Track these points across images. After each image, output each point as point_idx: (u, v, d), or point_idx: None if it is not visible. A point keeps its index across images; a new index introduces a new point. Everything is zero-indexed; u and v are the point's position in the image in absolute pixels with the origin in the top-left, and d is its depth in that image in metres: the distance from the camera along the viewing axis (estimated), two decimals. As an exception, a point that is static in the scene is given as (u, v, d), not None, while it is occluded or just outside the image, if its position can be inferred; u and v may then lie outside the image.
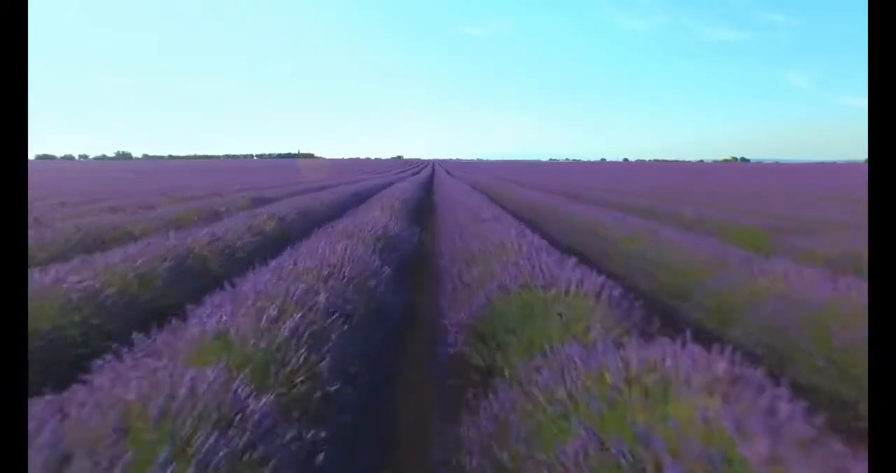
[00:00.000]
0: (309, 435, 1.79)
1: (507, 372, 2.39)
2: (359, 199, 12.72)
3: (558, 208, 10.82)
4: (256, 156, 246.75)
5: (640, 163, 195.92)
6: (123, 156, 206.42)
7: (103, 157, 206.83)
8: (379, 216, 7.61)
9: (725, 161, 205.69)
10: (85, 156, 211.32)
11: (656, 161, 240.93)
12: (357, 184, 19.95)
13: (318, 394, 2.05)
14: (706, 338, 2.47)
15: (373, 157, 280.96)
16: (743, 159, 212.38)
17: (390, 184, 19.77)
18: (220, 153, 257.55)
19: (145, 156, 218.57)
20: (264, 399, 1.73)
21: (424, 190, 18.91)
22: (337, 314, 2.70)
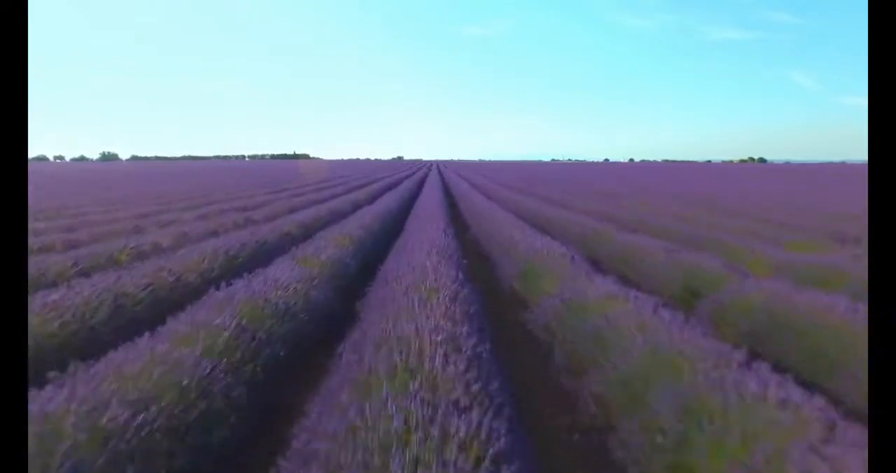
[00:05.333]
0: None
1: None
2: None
3: None
4: (248, 157, 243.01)
5: (645, 163, 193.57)
6: (109, 157, 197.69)
7: (82, 158, 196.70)
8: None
9: (742, 161, 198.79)
10: (61, 157, 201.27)
11: (665, 161, 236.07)
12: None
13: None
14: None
15: (373, 158, 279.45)
16: (761, 160, 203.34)
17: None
18: (212, 154, 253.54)
19: (133, 157, 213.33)
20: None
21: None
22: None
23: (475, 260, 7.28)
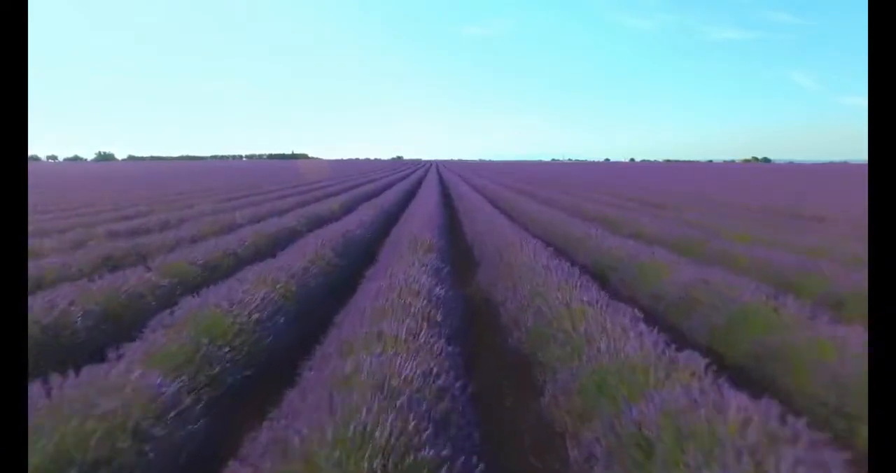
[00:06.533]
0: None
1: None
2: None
3: None
4: (245, 156, 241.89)
5: (646, 163, 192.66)
6: (105, 157, 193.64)
7: (76, 158, 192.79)
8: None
9: (745, 161, 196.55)
10: (54, 157, 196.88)
11: (667, 161, 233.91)
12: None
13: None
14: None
15: (372, 158, 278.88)
16: (765, 159, 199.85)
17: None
18: (210, 154, 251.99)
19: (130, 157, 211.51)
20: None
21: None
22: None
23: (494, 374, 3.76)
